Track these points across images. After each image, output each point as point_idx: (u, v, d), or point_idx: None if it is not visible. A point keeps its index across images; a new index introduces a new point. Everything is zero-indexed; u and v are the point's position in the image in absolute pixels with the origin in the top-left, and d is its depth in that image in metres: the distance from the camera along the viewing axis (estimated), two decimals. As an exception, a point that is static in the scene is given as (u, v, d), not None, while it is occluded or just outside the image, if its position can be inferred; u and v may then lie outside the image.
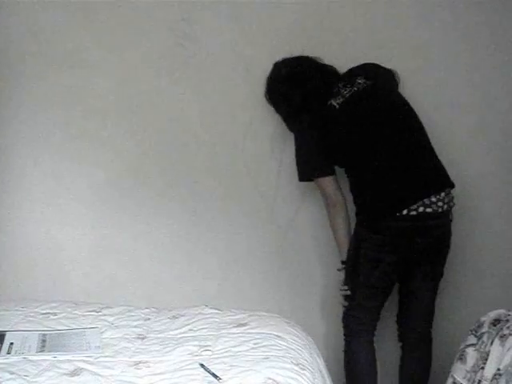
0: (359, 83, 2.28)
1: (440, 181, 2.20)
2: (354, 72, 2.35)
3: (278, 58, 2.52)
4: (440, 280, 2.30)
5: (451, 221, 2.24)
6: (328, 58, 2.54)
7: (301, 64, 2.36)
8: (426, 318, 2.32)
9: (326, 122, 2.26)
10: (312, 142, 2.29)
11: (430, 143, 2.26)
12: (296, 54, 2.45)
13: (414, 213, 2.11)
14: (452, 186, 2.22)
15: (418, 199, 2.11)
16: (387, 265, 2.17)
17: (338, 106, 2.24)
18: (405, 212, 2.10)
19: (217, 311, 2.01)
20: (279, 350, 1.67)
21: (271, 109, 2.49)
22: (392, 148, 2.19)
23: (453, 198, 2.22)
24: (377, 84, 2.29)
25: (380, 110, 2.24)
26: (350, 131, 2.23)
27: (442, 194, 2.16)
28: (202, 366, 1.53)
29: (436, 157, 2.24)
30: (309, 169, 2.33)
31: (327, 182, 2.31)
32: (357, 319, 2.28)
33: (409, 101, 2.34)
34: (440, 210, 2.15)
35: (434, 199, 2.13)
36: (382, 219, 2.15)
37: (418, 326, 2.32)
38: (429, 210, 2.12)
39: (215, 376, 1.47)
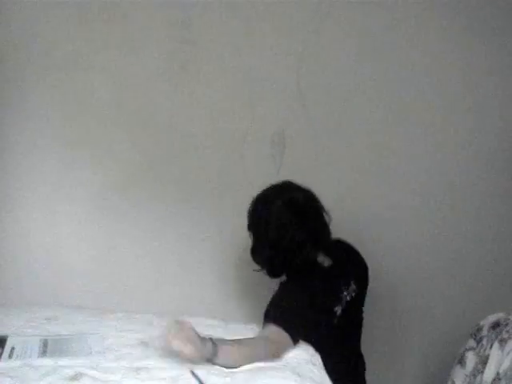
0: (353, 289, 2.11)
1: None
2: (349, 265, 2.17)
3: (279, 60, 2.52)
4: None
5: None
6: (328, 59, 2.55)
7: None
8: None
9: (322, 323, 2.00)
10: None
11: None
12: (295, 53, 2.47)
13: None
14: None
15: None
16: None
17: (336, 321, 2.02)
18: None
19: (219, 321, 2.02)
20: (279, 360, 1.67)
21: (271, 111, 2.49)
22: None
23: None
24: (360, 292, 2.17)
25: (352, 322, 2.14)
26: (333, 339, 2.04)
27: None
28: (193, 373, 1.54)
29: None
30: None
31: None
32: None
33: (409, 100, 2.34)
34: None
35: None
36: None
37: None
38: None
39: None
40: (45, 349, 1.75)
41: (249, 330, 1.97)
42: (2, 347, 1.75)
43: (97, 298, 2.56)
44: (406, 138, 2.64)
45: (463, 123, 2.60)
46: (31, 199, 2.65)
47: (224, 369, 1.56)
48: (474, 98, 2.58)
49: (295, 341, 1.85)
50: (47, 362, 1.66)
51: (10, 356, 1.70)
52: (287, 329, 1.84)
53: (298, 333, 1.87)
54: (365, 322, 2.25)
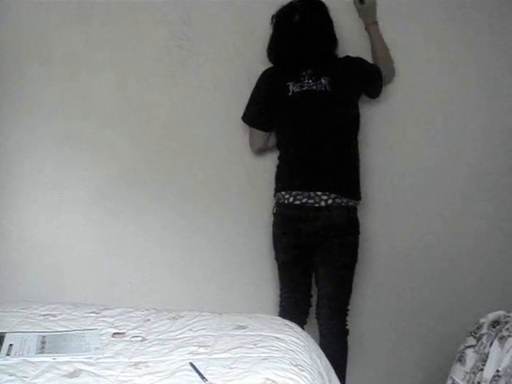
0: (321, 83, 2.33)
1: (333, 185, 2.30)
2: (329, 66, 2.38)
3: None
4: (346, 273, 2.35)
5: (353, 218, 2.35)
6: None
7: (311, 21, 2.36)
8: (331, 309, 2.36)
9: (276, 96, 2.38)
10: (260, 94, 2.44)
11: (349, 158, 2.39)
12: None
13: (298, 202, 2.27)
14: (351, 196, 2.34)
15: (304, 189, 2.28)
16: (285, 243, 2.35)
17: (291, 94, 2.35)
18: (291, 200, 2.27)
19: (216, 314, 2.01)
20: (278, 351, 1.67)
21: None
22: (312, 144, 2.33)
23: (342, 201, 2.30)
24: (335, 93, 2.34)
25: (320, 117, 2.34)
26: (289, 115, 2.37)
27: (327, 193, 2.28)
28: (192, 365, 1.54)
29: (349, 170, 2.38)
30: (249, 115, 2.48)
31: (258, 135, 2.48)
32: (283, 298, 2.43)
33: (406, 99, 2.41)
34: (323, 203, 2.26)
35: (319, 193, 2.27)
36: (277, 198, 2.36)
37: (323, 315, 2.37)
38: (311, 201, 2.26)
39: (202, 377, 1.47)
40: (43, 345, 1.74)
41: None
42: (0, 344, 1.74)
43: (93, 296, 2.56)
44: (409, 138, 2.64)
45: (475, 122, 2.60)
46: (31, 196, 2.65)
47: (225, 360, 1.56)
48: (486, 97, 2.59)
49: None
50: (45, 358, 1.65)
51: (8, 353, 1.69)
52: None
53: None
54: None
